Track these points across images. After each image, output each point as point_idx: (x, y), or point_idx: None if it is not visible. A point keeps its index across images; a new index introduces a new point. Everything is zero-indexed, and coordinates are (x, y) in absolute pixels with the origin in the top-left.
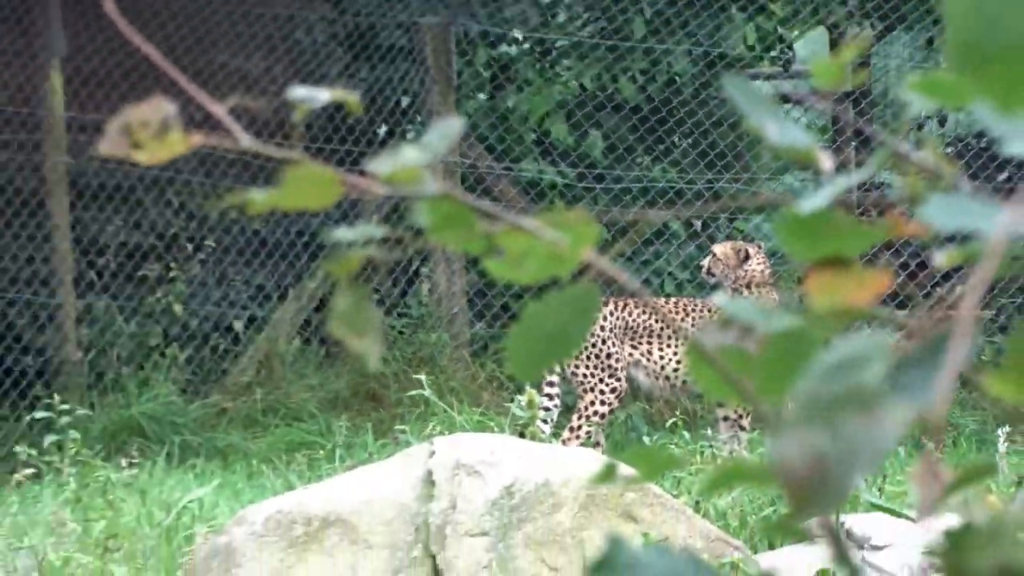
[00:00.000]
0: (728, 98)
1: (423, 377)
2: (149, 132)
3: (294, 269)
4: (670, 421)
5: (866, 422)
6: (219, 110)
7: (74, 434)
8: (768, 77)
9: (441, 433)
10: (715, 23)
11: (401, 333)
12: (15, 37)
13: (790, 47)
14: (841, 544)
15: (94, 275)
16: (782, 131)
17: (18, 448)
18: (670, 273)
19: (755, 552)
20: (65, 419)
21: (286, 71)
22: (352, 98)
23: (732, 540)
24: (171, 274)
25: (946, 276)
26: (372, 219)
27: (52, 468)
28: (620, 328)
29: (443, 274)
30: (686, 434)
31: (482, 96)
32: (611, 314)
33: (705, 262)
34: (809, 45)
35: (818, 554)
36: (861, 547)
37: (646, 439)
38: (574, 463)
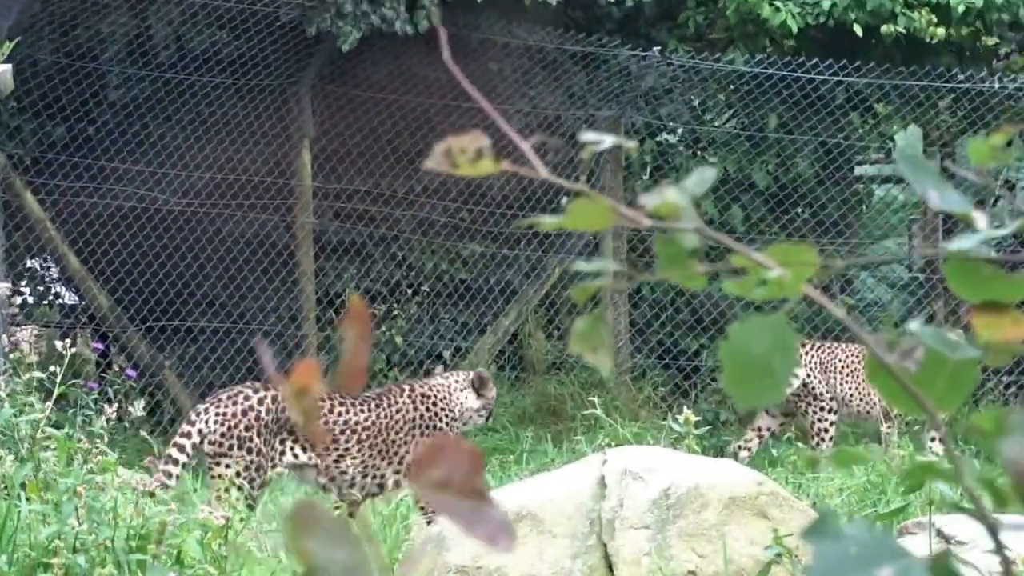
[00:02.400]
0: (899, 169)
1: (595, 399)
2: (466, 157)
3: (492, 309)
4: (786, 435)
5: None
6: (524, 145)
7: None
8: (874, 163)
9: (609, 445)
10: (832, 119)
11: (576, 361)
12: (275, 121)
13: (891, 139)
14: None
15: (332, 313)
16: (943, 196)
17: None
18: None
19: None
20: None
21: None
22: (632, 144)
23: None
24: (394, 313)
25: None
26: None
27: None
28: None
29: (611, 313)
30: (801, 444)
31: (645, 177)
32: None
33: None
34: (906, 138)
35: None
36: (949, 543)
37: (773, 451)
38: (718, 471)
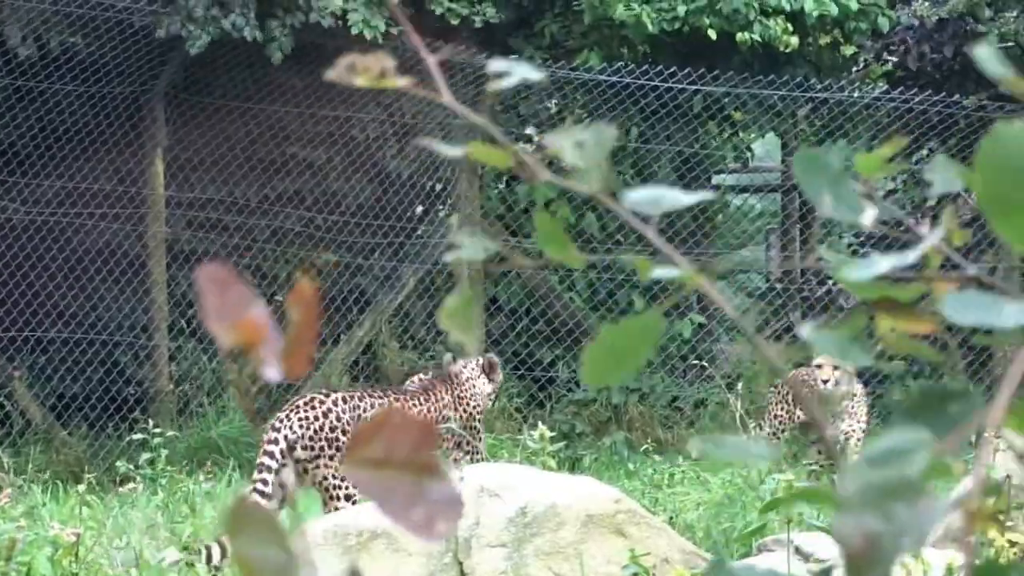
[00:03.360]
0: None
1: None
2: (369, 74)
3: (346, 319)
4: (643, 447)
5: (911, 509)
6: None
7: (164, 452)
8: (731, 172)
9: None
10: (690, 128)
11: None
12: (127, 130)
13: (749, 149)
14: None
15: (184, 322)
16: (835, 201)
17: (119, 463)
18: None
19: None
20: (157, 440)
21: (343, 161)
22: (537, 75)
23: (703, 553)
24: None
25: None
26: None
27: (146, 479)
28: None
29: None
30: (657, 457)
31: (501, 186)
32: None
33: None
34: (764, 147)
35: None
36: (807, 560)
37: (630, 464)
38: (576, 488)
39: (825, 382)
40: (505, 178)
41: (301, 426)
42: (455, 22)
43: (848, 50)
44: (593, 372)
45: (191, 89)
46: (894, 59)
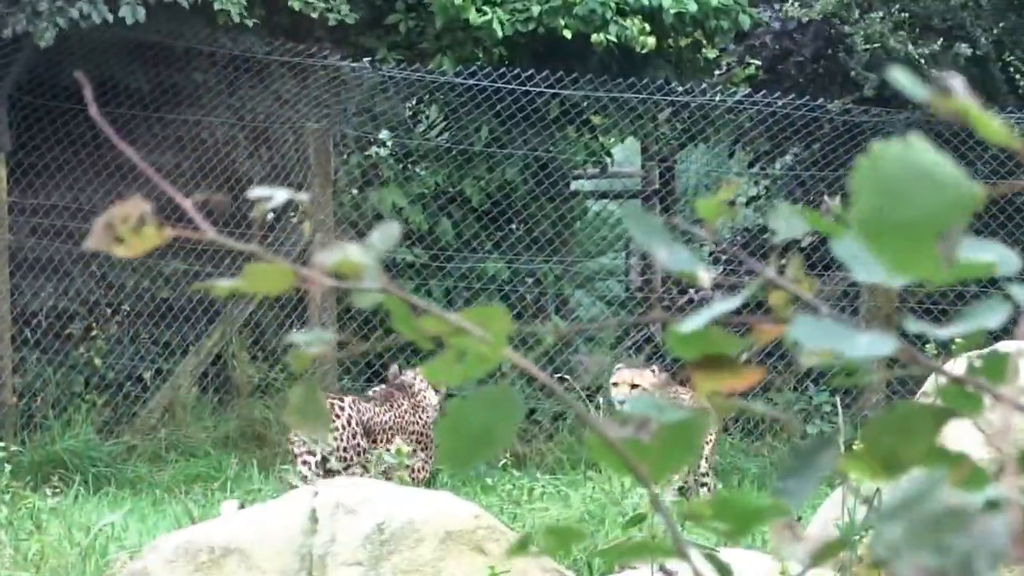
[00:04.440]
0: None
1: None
2: (128, 227)
3: (195, 330)
4: (502, 461)
5: (974, 533)
6: (187, 204)
7: (8, 468)
8: (590, 177)
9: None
10: (547, 133)
11: (283, 384)
12: None
13: (608, 153)
14: None
15: (28, 333)
16: (671, 255)
17: None
18: None
19: None
20: (0, 454)
21: (193, 166)
22: (303, 197)
23: (564, 570)
24: (92, 333)
25: None
26: None
27: None
28: None
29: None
30: (516, 472)
31: (355, 191)
32: None
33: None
34: (624, 152)
35: None
36: None
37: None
38: (434, 504)
39: (621, 402)
40: (358, 184)
41: (335, 437)
42: (313, 15)
43: (710, 52)
44: (449, 456)
45: (36, 91)
46: (757, 62)
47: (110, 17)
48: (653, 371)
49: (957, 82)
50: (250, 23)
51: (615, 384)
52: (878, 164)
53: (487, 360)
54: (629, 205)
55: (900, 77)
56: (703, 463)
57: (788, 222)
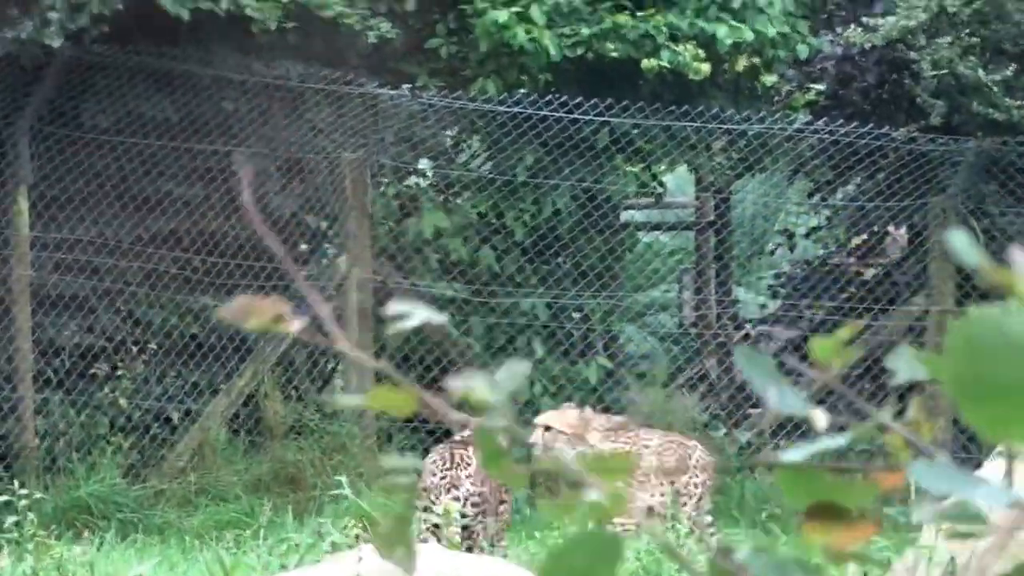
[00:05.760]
0: (739, 362)
1: (341, 476)
2: (262, 318)
3: (225, 369)
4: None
5: None
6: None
7: (31, 516)
8: (642, 208)
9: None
10: (596, 163)
11: (317, 425)
12: None
13: (661, 183)
14: None
15: (51, 372)
16: (781, 397)
17: None
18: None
19: None
20: (24, 502)
21: (223, 198)
22: (440, 319)
23: None
24: (118, 372)
25: None
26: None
27: (12, 544)
28: None
29: (354, 372)
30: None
31: (393, 223)
32: None
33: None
34: (677, 181)
35: None
36: None
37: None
38: (487, 570)
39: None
40: (396, 216)
41: (472, 483)
42: (348, 24)
43: (768, 79)
44: None
45: (58, 122)
46: (818, 87)
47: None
48: (581, 412)
49: (1020, 256)
50: (286, 31)
51: (533, 426)
52: (972, 330)
53: (608, 512)
54: (746, 350)
55: (957, 242)
56: (698, 506)
57: (908, 365)
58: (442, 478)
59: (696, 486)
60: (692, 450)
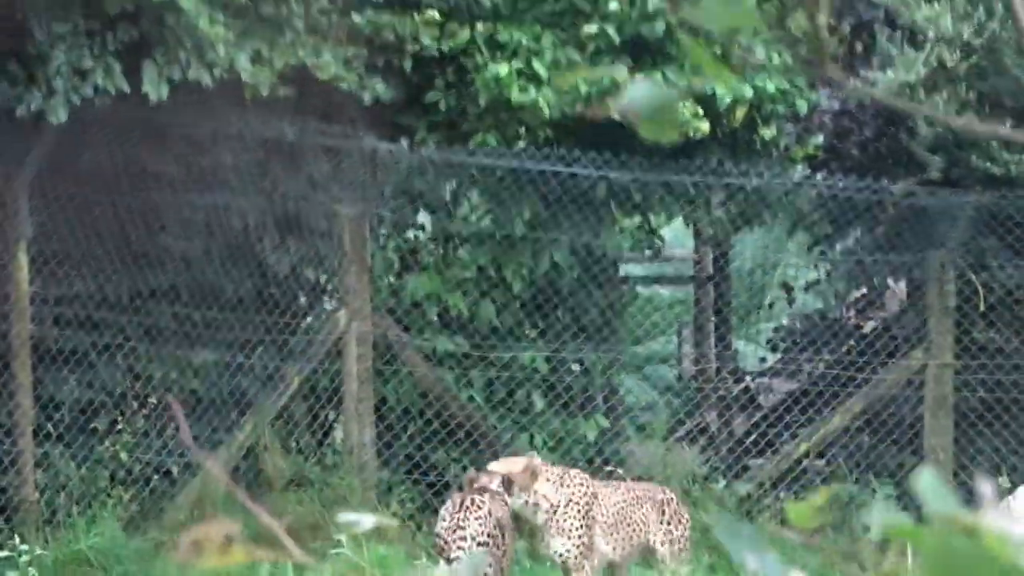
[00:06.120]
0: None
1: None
2: (214, 546)
3: (225, 422)
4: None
5: None
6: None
7: (32, 571)
8: (641, 261)
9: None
10: (595, 217)
11: (318, 477)
12: None
13: (660, 237)
14: None
15: (51, 426)
16: (762, 564)
17: None
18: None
19: None
20: (24, 558)
21: (222, 252)
22: (391, 522)
23: None
24: (118, 426)
25: None
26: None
27: None
28: None
29: (354, 425)
30: None
31: (391, 278)
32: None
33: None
34: (675, 234)
35: None
36: None
37: None
38: None
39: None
40: (396, 270)
41: (481, 524)
42: (344, 86)
43: (767, 133)
44: None
45: (57, 177)
46: (816, 141)
47: (126, 87)
48: (529, 461)
49: (988, 489)
50: (281, 94)
51: (488, 472)
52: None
53: None
54: (724, 519)
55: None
56: (678, 558)
57: (884, 519)
58: (450, 521)
59: (673, 542)
60: (666, 504)
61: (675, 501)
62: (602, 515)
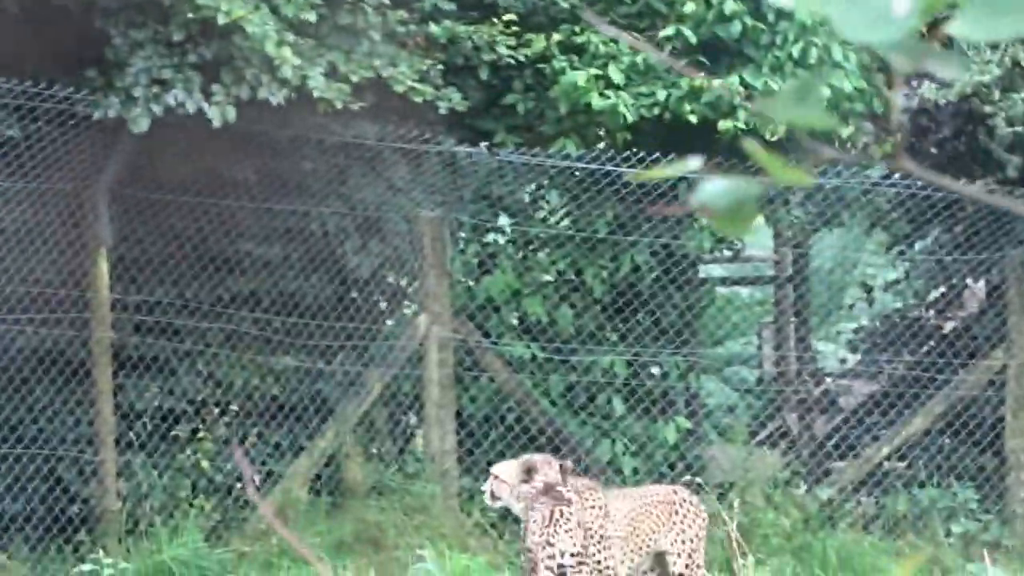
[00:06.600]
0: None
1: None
2: None
3: (307, 429)
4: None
5: None
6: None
7: None
8: (721, 262)
9: None
10: (674, 219)
11: (399, 485)
12: (69, 229)
13: (739, 238)
14: None
15: (133, 435)
16: None
17: None
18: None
19: None
20: (108, 571)
21: (302, 257)
22: None
23: None
24: (200, 434)
25: None
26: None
27: None
28: None
29: (436, 432)
30: None
31: (472, 282)
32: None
33: (488, 486)
34: (755, 234)
35: None
36: None
37: None
38: None
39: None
40: (475, 274)
41: (571, 537)
42: (418, 99)
43: (845, 131)
44: None
45: (137, 184)
46: (893, 140)
47: (206, 107)
48: (525, 460)
49: None
50: (356, 107)
51: (491, 474)
52: None
53: None
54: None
55: None
56: (691, 562)
57: None
58: (540, 535)
59: (684, 542)
60: (678, 504)
61: (688, 501)
62: (614, 528)
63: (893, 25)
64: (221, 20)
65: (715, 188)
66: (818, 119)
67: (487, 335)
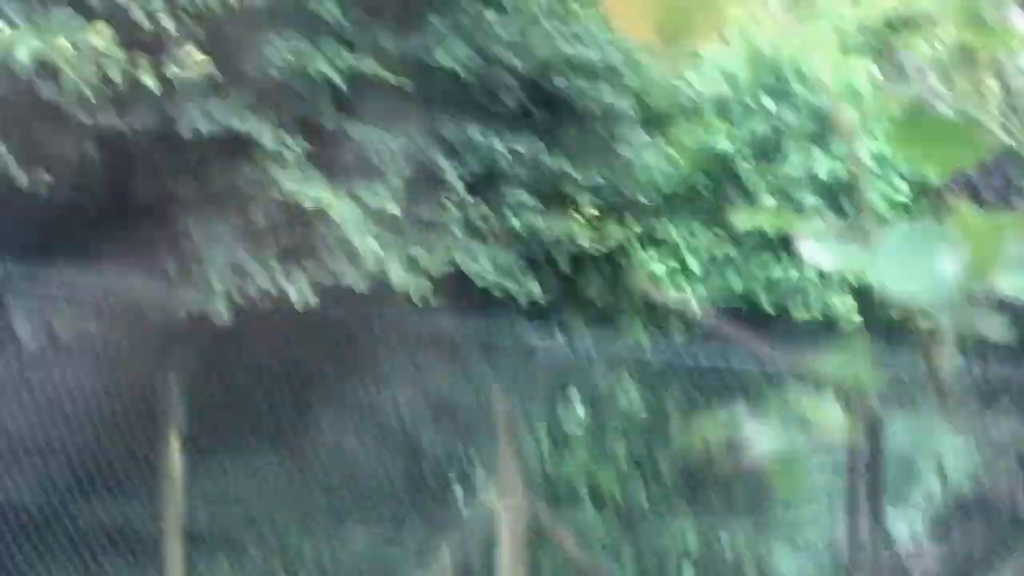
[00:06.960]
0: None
1: None
2: None
3: None
4: None
5: None
6: None
7: None
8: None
9: None
10: (748, 400)
11: None
12: (141, 407)
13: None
14: None
15: None
16: None
17: None
18: None
19: None
20: None
21: (378, 447)
22: None
23: None
24: None
25: None
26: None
27: None
28: None
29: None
30: None
31: (543, 463)
32: None
33: None
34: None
35: None
36: None
37: None
38: None
39: None
40: (549, 457)
41: None
42: (498, 294)
43: (923, 325)
44: None
45: (212, 371)
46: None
47: (291, 289)
48: None
49: None
50: (433, 303)
51: None
52: None
53: None
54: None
55: None
56: None
57: None
58: None
59: None
60: None
61: None
62: None
63: (942, 284)
64: (308, 205)
65: (765, 442)
66: (866, 379)
67: (558, 507)
